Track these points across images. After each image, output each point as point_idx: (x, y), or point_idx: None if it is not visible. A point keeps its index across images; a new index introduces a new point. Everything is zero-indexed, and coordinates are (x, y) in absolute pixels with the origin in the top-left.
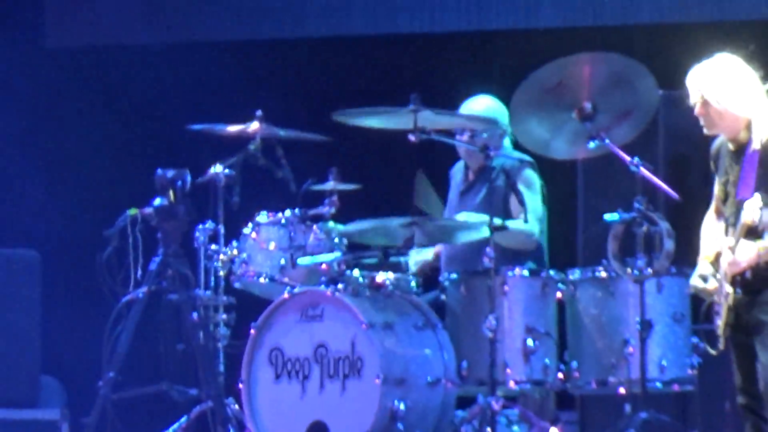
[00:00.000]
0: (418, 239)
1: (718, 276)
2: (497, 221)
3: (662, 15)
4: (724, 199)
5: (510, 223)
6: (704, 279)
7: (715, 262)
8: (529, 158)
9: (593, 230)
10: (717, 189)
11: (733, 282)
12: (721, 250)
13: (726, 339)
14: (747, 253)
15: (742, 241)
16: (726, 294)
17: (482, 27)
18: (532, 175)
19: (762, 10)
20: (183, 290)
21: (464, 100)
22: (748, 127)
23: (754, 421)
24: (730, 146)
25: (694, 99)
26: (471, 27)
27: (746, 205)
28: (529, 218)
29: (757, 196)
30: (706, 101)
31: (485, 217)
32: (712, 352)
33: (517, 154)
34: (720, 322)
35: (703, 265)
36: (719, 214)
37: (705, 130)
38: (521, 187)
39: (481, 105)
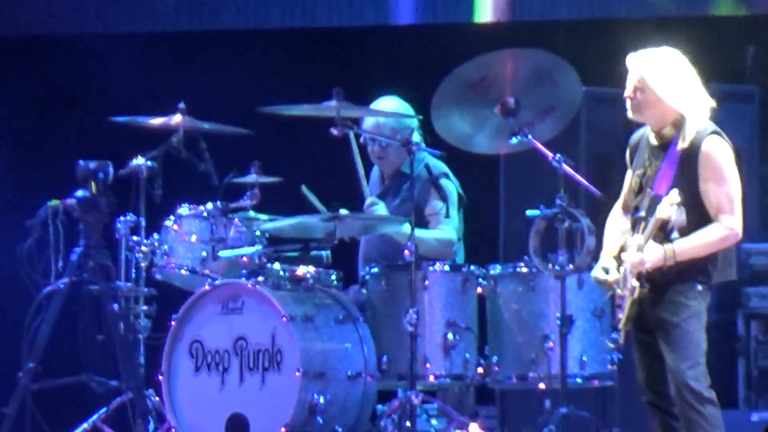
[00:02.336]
0: (340, 232)
1: (621, 269)
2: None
3: (585, 11)
4: (638, 192)
5: (427, 233)
6: (606, 271)
7: (618, 257)
8: (444, 167)
9: (515, 226)
10: (630, 181)
11: (639, 276)
12: (625, 245)
13: (626, 333)
14: (654, 254)
15: (651, 242)
16: (632, 288)
17: (403, 22)
18: (448, 185)
19: (687, 7)
20: (104, 281)
21: (378, 98)
22: (675, 124)
23: (662, 418)
24: (653, 140)
25: (632, 79)
26: (391, 22)
27: (664, 200)
28: (447, 228)
29: (675, 191)
30: (644, 84)
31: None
32: (611, 345)
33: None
34: (622, 316)
35: (606, 259)
36: (626, 208)
37: (629, 114)
38: (437, 200)
39: (389, 106)
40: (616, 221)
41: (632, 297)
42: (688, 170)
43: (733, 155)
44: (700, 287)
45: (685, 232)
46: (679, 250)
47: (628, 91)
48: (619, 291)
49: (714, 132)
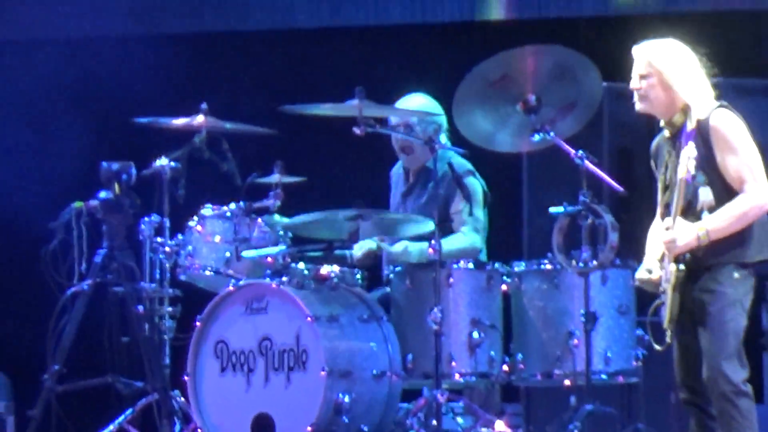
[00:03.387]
0: (363, 232)
1: (663, 265)
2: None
3: (606, 7)
4: (665, 189)
5: (452, 243)
6: (649, 272)
7: (662, 261)
8: (469, 165)
9: (538, 223)
10: (659, 187)
11: (676, 260)
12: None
13: (672, 333)
14: (686, 234)
15: (680, 220)
16: (670, 274)
17: (427, 20)
18: (474, 182)
19: (706, 2)
20: (128, 283)
21: (404, 95)
22: (684, 110)
23: (699, 417)
24: (666, 133)
25: (640, 69)
26: (416, 20)
27: (682, 154)
28: (469, 231)
29: (691, 144)
30: (651, 71)
31: (425, 246)
32: (658, 347)
33: (457, 149)
34: (666, 313)
35: (649, 260)
36: (663, 218)
37: (636, 106)
38: (462, 200)
39: (416, 103)
40: (656, 229)
41: (672, 283)
42: (703, 148)
43: (744, 125)
44: (736, 274)
45: (714, 211)
46: (712, 227)
47: (633, 82)
48: (661, 289)
49: (720, 106)
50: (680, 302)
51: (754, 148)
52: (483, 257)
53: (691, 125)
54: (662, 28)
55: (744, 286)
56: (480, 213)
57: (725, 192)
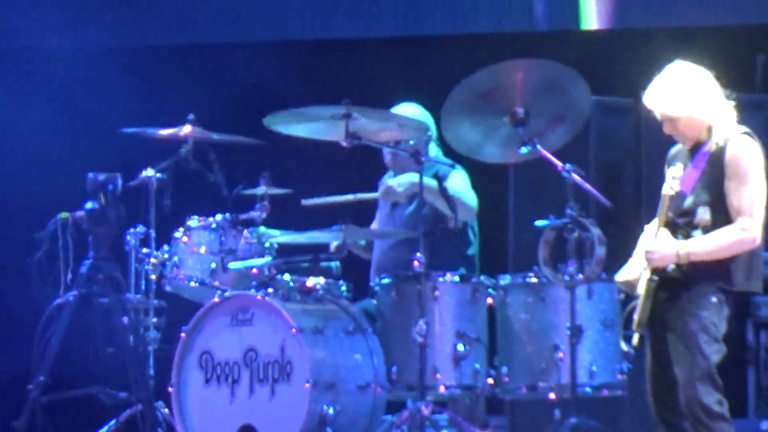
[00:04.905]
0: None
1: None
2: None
3: (595, 21)
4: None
5: (456, 191)
6: (628, 273)
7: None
8: (449, 161)
9: (524, 236)
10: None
11: (653, 271)
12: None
13: (641, 337)
14: (666, 248)
15: (664, 232)
16: (645, 280)
17: (416, 32)
18: (461, 172)
19: (695, 17)
20: (113, 293)
21: (393, 106)
22: (709, 129)
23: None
24: (687, 144)
25: (658, 115)
26: (405, 32)
27: (668, 173)
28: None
29: (679, 166)
30: (667, 116)
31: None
32: (626, 348)
33: (445, 160)
34: (636, 317)
35: (631, 263)
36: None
37: (680, 144)
38: (452, 186)
39: (407, 112)
40: (647, 235)
41: (644, 291)
42: (714, 170)
43: (761, 157)
44: (714, 299)
45: (709, 232)
46: (693, 250)
47: (665, 128)
48: (636, 292)
49: (744, 133)
50: (651, 311)
51: (763, 185)
52: (476, 264)
53: (710, 146)
54: (653, 42)
55: (720, 313)
56: (471, 193)
57: (724, 215)
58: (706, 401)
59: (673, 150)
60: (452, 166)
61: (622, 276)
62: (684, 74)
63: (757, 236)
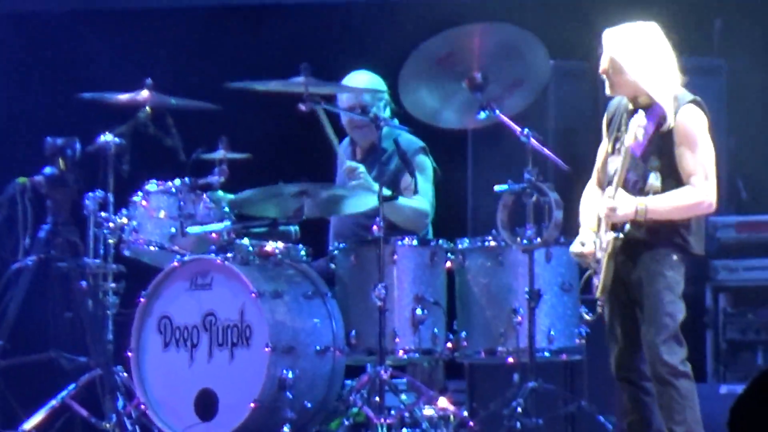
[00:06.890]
0: (308, 209)
1: (599, 235)
2: (387, 192)
3: None
4: (607, 155)
5: (403, 199)
6: (582, 244)
7: (596, 231)
8: (421, 142)
9: (483, 200)
10: (602, 151)
11: (613, 227)
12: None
13: (602, 305)
14: (626, 205)
15: (620, 191)
16: (606, 243)
17: None
18: (424, 160)
19: None
20: (72, 258)
21: (350, 72)
22: (649, 96)
23: (631, 391)
24: (630, 105)
25: (605, 57)
26: None
27: (632, 120)
28: (421, 199)
29: (641, 114)
30: (614, 64)
31: (376, 186)
32: (587, 317)
33: (404, 130)
34: (599, 282)
35: (584, 233)
36: (600, 184)
37: (607, 91)
38: (407, 175)
39: (363, 80)
40: (591, 197)
41: (608, 251)
42: (664, 137)
43: (707, 124)
44: (675, 257)
45: None
46: (652, 207)
47: (602, 68)
48: (592, 264)
49: (692, 101)
50: (614, 271)
51: (711, 150)
52: (429, 234)
53: (659, 111)
54: (611, 6)
55: (680, 272)
56: (428, 188)
57: (674, 181)
58: (671, 360)
59: (613, 104)
60: (410, 133)
61: (576, 248)
62: (642, 35)
63: (714, 202)
